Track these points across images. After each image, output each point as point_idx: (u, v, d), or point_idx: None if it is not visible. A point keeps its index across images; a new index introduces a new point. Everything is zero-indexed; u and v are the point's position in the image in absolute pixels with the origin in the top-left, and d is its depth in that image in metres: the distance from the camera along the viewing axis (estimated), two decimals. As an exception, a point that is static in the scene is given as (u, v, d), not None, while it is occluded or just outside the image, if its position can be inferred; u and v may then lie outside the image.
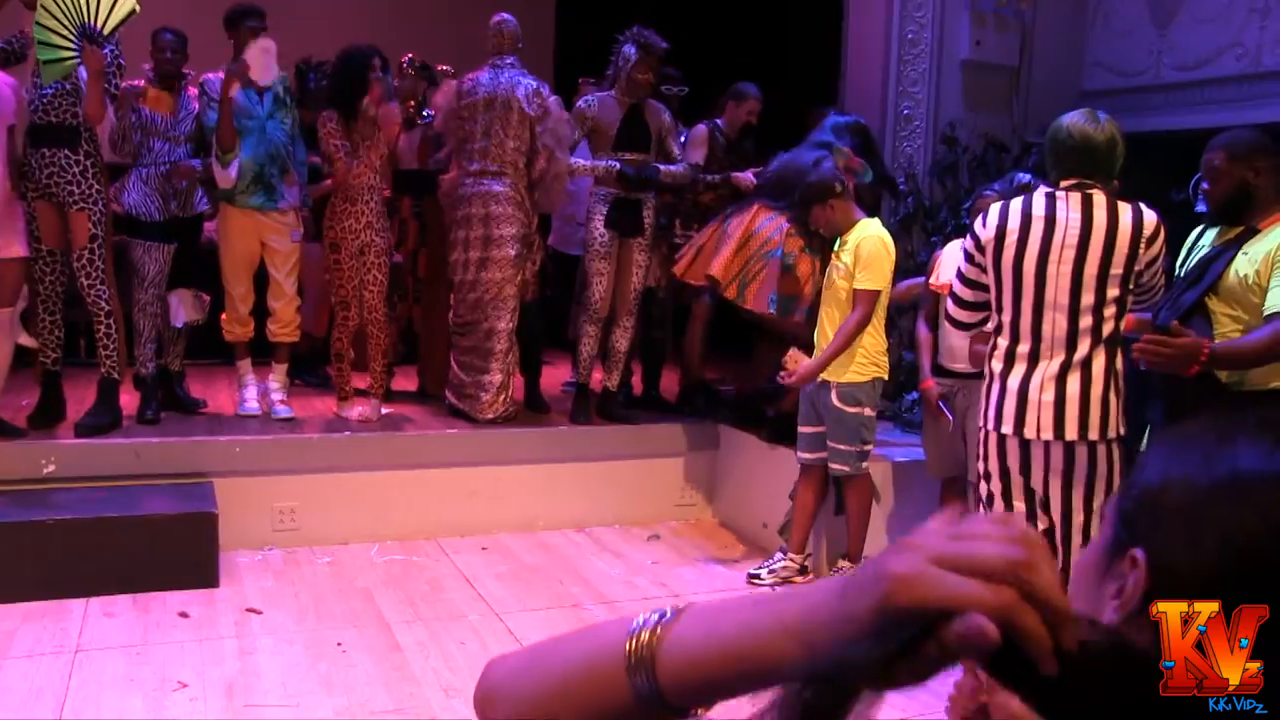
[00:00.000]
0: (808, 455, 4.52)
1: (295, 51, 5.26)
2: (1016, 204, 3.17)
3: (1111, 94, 6.89)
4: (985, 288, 3.22)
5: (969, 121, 5.89)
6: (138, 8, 4.52)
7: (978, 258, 3.22)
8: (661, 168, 5.20)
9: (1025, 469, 3.20)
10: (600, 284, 5.20)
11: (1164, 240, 3.11)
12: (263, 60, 4.92)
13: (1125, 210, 3.07)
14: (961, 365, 4.40)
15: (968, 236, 3.30)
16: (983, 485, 3.34)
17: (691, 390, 5.75)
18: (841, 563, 4.64)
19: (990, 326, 3.27)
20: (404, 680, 3.57)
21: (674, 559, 4.97)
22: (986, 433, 3.25)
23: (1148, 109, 6.66)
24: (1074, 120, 3.11)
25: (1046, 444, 3.15)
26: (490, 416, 5.23)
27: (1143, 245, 3.05)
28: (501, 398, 5.24)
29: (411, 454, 5.07)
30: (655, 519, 5.40)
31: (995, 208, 3.22)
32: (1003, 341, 3.18)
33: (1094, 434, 3.12)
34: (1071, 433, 3.11)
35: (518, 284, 5.18)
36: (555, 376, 6.33)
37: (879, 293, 4.33)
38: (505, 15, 5.25)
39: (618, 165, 5.08)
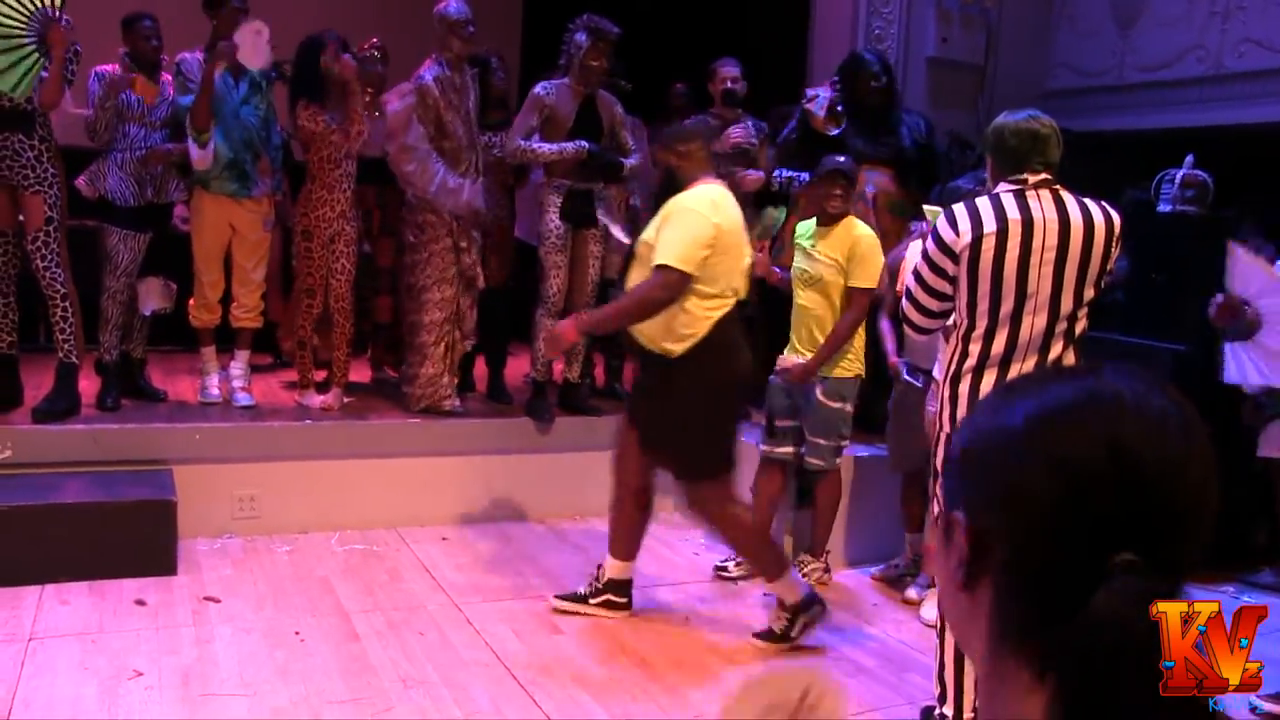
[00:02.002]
0: (780, 450, 4.53)
1: (280, 34, 5.21)
2: (986, 206, 2.98)
3: (1076, 93, 6.96)
4: (950, 297, 3.06)
5: (934, 119, 5.92)
6: None
7: (947, 266, 3.02)
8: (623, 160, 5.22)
9: None
10: (557, 276, 5.17)
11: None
12: (254, 43, 4.87)
13: (1095, 208, 3.00)
14: (929, 364, 4.45)
15: (928, 241, 3.09)
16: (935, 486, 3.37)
17: None
18: (804, 556, 4.68)
19: (961, 331, 3.09)
20: (361, 670, 3.56)
21: (635, 550, 4.98)
22: (947, 435, 3.12)
23: (1111, 109, 6.73)
24: (1013, 117, 3.02)
25: None
26: (415, 409, 5.21)
27: (1114, 245, 3.00)
28: (431, 391, 5.18)
29: (372, 443, 5.06)
30: (617, 510, 5.41)
31: (961, 212, 3.00)
32: (975, 347, 3.03)
33: None
34: None
35: (440, 277, 5.10)
36: (521, 368, 6.32)
37: (873, 290, 4.37)
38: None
39: (585, 145, 5.05)
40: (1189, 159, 5.16)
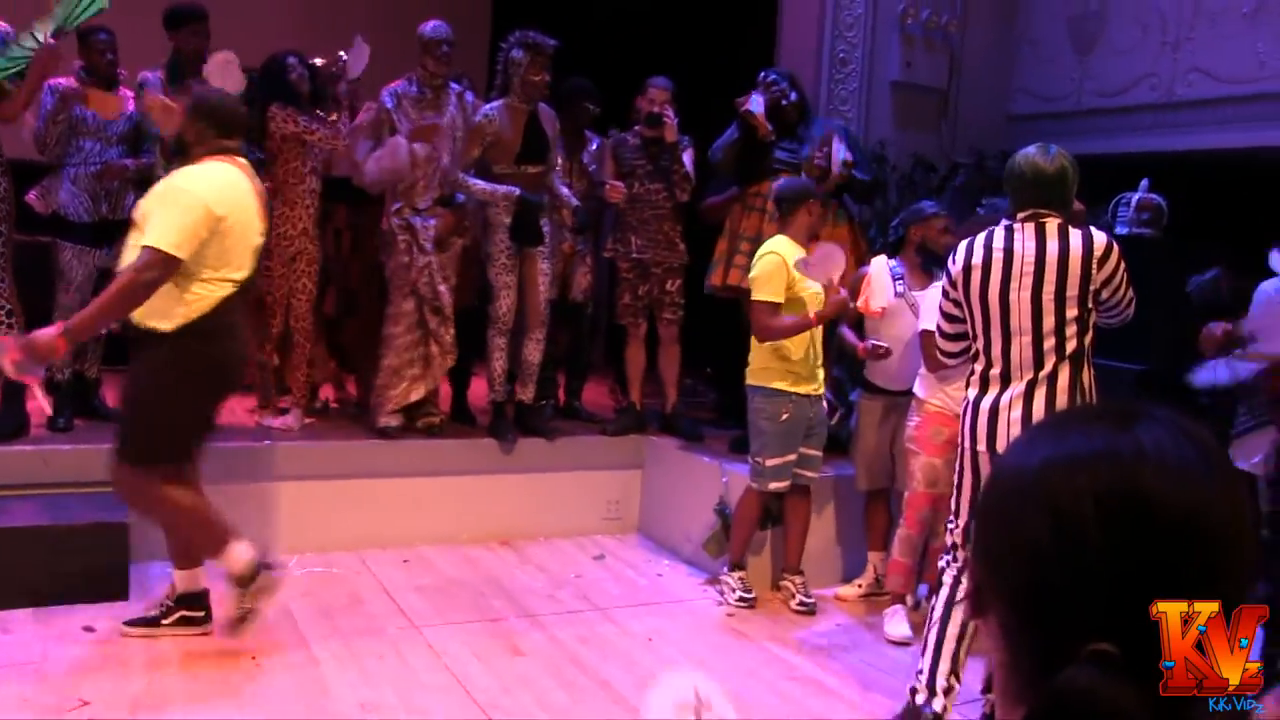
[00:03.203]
0: (806, 472, 4.57)
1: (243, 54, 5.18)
2: (980, 240, 3.36)
3: (1036, 118, 7.05)
4: (962, 319, 3.42)
5: (898, 141, 5.97)
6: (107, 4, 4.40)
7: (952, 292, 3.43)
8: (562, 192, 5.20)
9: None
10: (508, 296, 5.11)
11: (1119, 259, 3.26)
12: (225, 71, 4.79)
13: (1076, 235, 3.24)
14: (893, 384, 4.47)
15: (944, 272, 3.53)
16: (954, 501, 3.50)
17: (620, 410, 5.76)
18: (791, 577, 4.64)
19: (972, 353, 3.45)
20: (319, 695, 3.49)
21: (598, 573, 4.94)
22: (963, 450, 3.40)
23: (1071, 133, 6.81)
24: (1027, 154, 3.30)
25: None
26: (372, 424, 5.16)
27: (1094, 266, 3.21)
28: (377, 401, 5.12)
29: (333, 464, 4.99)
30: (580, 532, 5.38)
31: (962, 245, 3.42)
32: (978, 366, 3.38)
33: None
34: None
35: (401, 293, 5.05)
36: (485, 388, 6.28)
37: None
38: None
39: (517, 192, 4.99)
40: (1144, 183, 5.28)
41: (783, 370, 4.41)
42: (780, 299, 4.34)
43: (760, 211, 5.08)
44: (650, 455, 5.51)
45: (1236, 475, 0.75)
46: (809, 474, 4.55)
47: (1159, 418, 0.77)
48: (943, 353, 3.60)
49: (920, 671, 3.38)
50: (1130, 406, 0.79)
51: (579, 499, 5.40)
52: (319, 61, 5.16)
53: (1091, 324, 3.29)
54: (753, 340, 4.47)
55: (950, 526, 3.47)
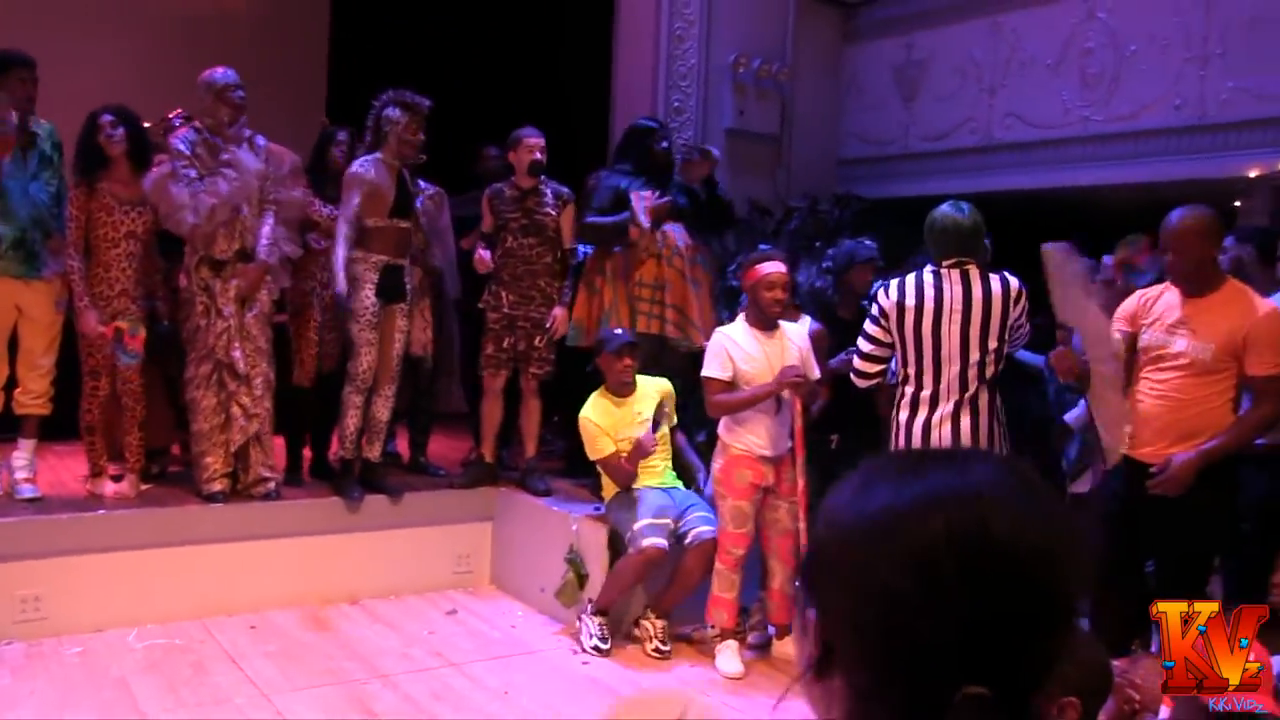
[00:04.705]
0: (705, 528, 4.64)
1: (63, 105, 4.98)
2: (910, 282, 3.93)
3: (866, 162, 7.38)
4: (888, 345, 3.99)
5: (734, 187, 6.14)
6: None
7: (883, 322, 3.98)
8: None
9: None
10: (370, 354, 5.06)
11: (1026, 298, 3.89)
12: None
13: (995, 280, 3.88)
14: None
15: (873, 304, 4.05)
16: None
17: (468, 463, 5.73)
18: (653, 619, 4.67)
19: (899, 379, 3.98)
20: (157, 776, 3.37)
21: (451, 628, 4.90)
22: None
23: (898, 176, 7.17)
24: (946, 213, 3.89)
25: None
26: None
27: (1011, 306, 3.87)
28: (208, 475, 4.97)
29: (172, 530, 4.82)
30: (432, 588, 5.31)
31: (893, 285, 3.98)
32: (909, 389, 3.95)
33: None
34: None
35: (198, 356, 4.92)
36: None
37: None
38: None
39: (340, 290, 4.94)
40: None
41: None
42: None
43: (656, 257, 5.06)
44: (500, 506, 5.49)
45: (1060, 501, 0.76)
46: (707, 529, 4.58)
47: (982, 457, 0.79)
48: (859, 374, 4.10)
49: None
50: (951, 449, 0.82)
51: (429, 554, 5.34)
52: (147, 125, 5.05)
53: (1004, 354, 3.90)
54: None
55: None
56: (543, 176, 5.25)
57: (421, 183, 5.40)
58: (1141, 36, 5.75)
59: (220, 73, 4.88)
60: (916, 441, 3.81)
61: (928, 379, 3.90)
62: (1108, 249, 4.79)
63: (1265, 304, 3.49)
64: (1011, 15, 6.43)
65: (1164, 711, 1.77)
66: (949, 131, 6.84)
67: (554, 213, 5.28)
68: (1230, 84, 5.39)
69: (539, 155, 5.22)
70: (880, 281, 4.25)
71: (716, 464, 4.50)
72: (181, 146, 4.79)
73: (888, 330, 3.98)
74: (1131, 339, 3.63)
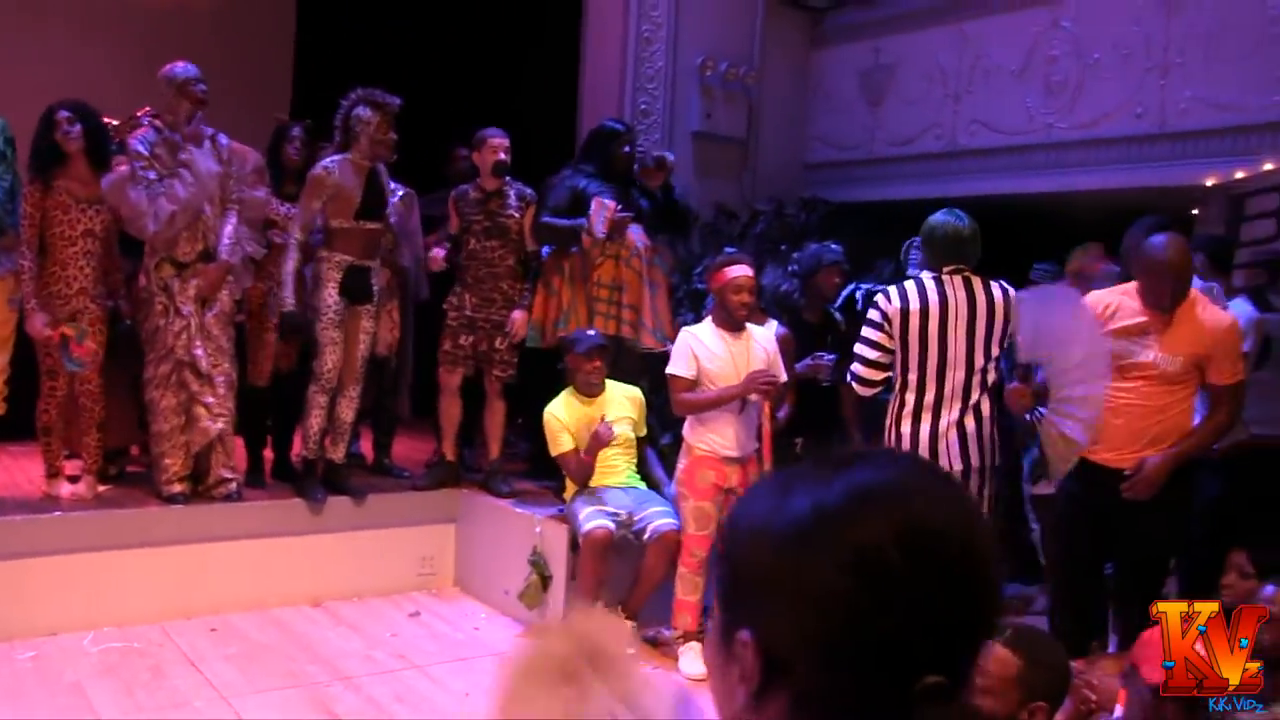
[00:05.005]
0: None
1: (19, 99, 4.91)
2: (912, 287, 3.90)
3: (832, 166, 7.42)
4: (891, 352, 3.92)
5: (700, 190, 6.17)
6: None
7: (886, 328, 3.92)
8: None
9: None
10: (334, 353, 5.02)
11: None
12: None
13: (995, 287, 3.90)
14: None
15: (873, 310, 3.99)
16: None
17: (431, 464, 5.71)
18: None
19: (898, 385, 3.92)
20: (113, 781, 3.33)
21: (414, 630, 4.87)
22: None
23: (864, 180, 7.20)
24: (944, 222, 3.90)
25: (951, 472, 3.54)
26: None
27: (1010, 313, 3.88)
28: (168, 476, 4.91)
29: (130, 532, 4.75)
30: (395, 590, 5.28)
31: (894, 292, 3.94)
32: (910, 397, 3.89)
33: (985, 461, 3.88)
34: (974, 461, 3.86)
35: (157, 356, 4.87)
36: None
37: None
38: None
39: (289, 310, 4.93)
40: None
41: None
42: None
43: (614, 258, 5.07)
44: (464, 508, 5.46)
45: (968, 491, 0.79)
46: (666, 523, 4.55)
47: (890, 454, 0.80)
48: (865, 382, 4.00)
49: None
50: (861, 449, 0.82)
51: (392, 556, 5.30)
52: (114, 122, 4.98)
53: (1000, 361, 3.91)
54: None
55: None
56: (508, 177, 5.23)
57: (392, 184, 5.36)
58: (1104, 45, 5.82)
59: (181, 67, 4.83)
60: (924, 452, 3.73)
61: (929, 386, 3.85)
62: (1066, 256, 4.85)
63: (1225, 317, 3.63)
64: (977, 22, 6.48)
65: (1117, 710, 1.80)
66: (914, 137, 6.88)
67: (517, 215, 5.26)
68: (1189, 93, 5.46)
69: (503, 155, 5.19)
70: (857, 286, 4.26)
71: (680, 465, 4.51)
72: (140, 147, 4.72)
73: (890, 335, 3.92)
74: None
